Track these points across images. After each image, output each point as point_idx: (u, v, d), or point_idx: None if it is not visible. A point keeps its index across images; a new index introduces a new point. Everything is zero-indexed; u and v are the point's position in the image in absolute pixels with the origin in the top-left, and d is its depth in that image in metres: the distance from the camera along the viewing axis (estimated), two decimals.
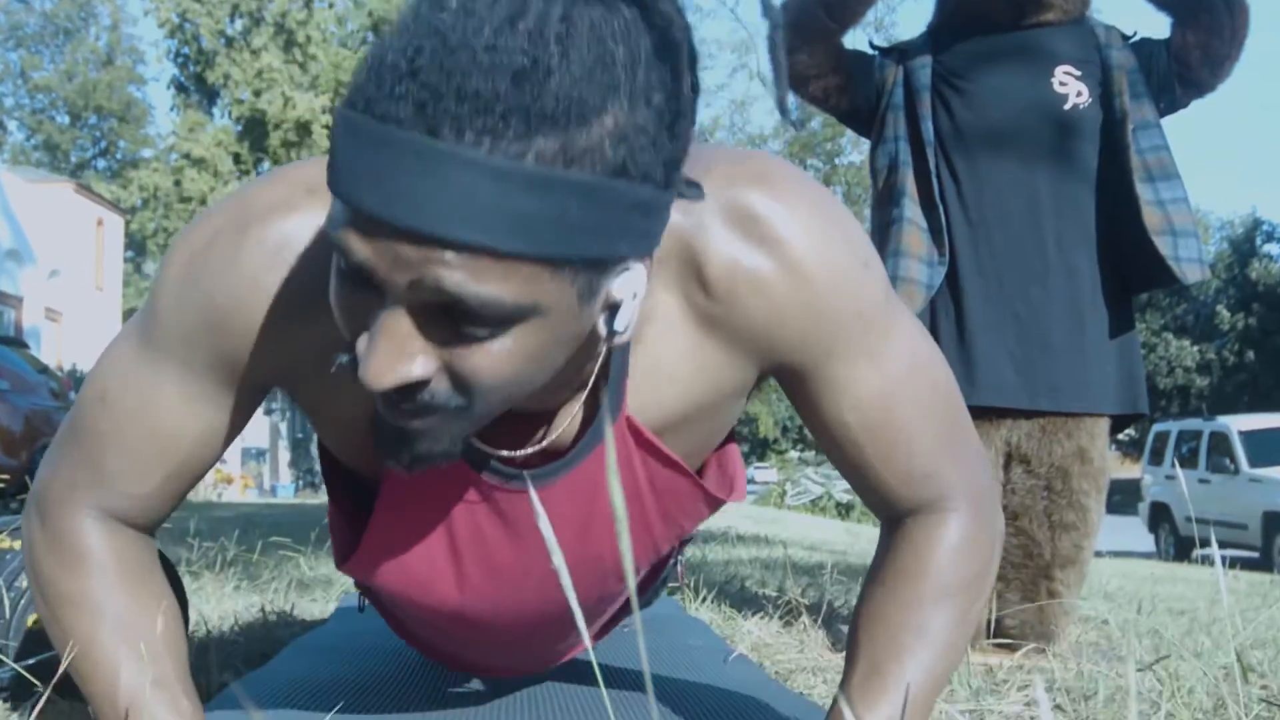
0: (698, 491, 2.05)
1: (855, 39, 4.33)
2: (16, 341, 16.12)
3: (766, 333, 1.84)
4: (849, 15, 4.44)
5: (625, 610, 2.63)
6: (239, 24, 41.00)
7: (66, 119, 56.69)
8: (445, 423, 1.55)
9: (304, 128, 41.97)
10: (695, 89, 1.50)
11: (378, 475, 1.98)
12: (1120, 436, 4.43)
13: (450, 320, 1.44)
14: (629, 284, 1.54)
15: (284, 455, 52.40)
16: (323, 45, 43.42)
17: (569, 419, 1.89)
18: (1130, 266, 4.16)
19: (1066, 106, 4.14)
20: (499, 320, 1.43)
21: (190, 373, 1.85)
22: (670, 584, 3.03)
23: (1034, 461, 4.12)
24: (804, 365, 1.89)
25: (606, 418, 1.60)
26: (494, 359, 1.46)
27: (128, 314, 43.82)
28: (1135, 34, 4.31)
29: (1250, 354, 49.99)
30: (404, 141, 1.32)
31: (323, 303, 1.68)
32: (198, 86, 42.15)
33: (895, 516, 2.05)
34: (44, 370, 15.12)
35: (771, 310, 1.82)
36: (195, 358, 1.84)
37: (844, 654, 2.16)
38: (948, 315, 4.16)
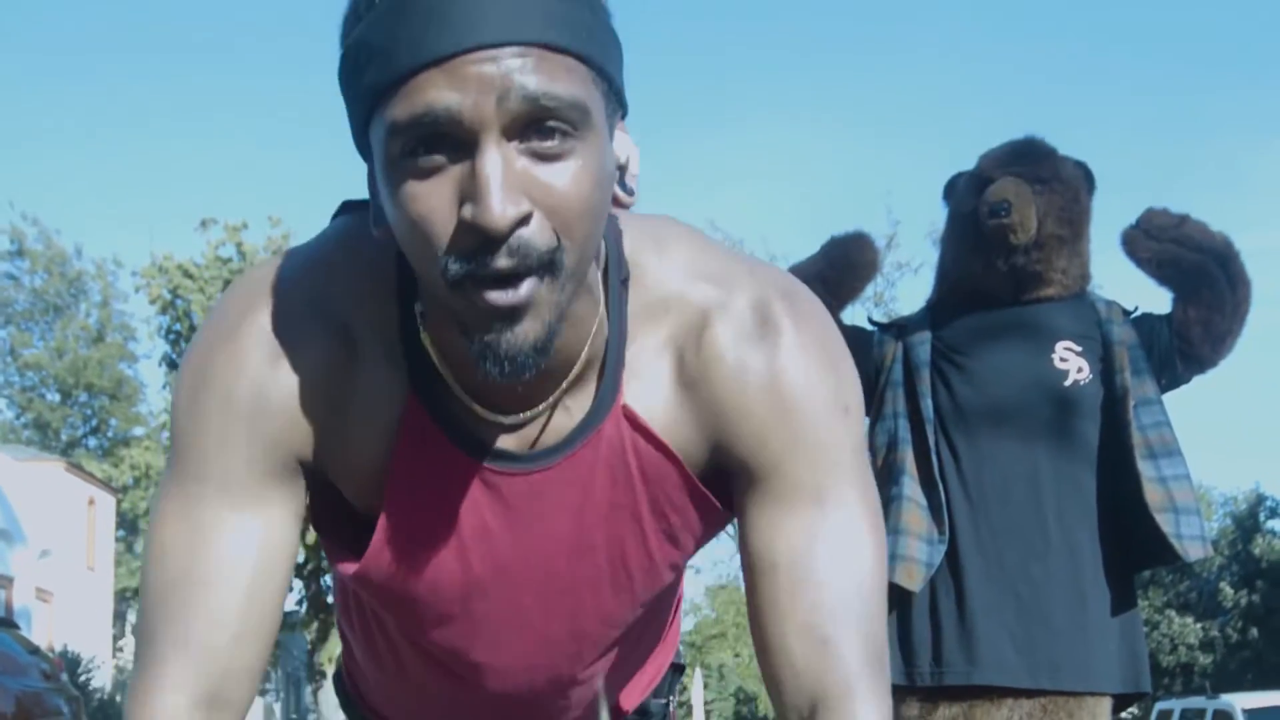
0: (687, 482, 1.98)
1: (854, 314, 4.37)
2: (7, 623, 16.13)
3: (729, 417, 1.88)
4: (848, 290, 4.50)
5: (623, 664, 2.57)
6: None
7: (57, 397, 57.00)
8: (541, 286, 1.60)
9: None
10: None
11: (380, 503, 1.97)
12: (1123, 715, 4.37)
13: (534, 136, 1.55)
14: (623, 143, 1.71)
15: None
16: None
17: (568, 402, 1.90)
18: (1132, 543, 4.12)
19: (1067, 383, 4.13)
20: (572, 122, 1.56)
21: (230, 480, 1.86)
22: None
23: None
24: (753, 467, 1.89)
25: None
26: (571, 178, 1.57)
27: (120, 594, 43.83)
28: (1136, 309, 4.32)
29: (1254, 631, 49.71)
30: None
31: (326, 359, 1.83)
32: None
33: (797, 713, 1.92)
34: (35, 651, 15.10)
35: (739, 401, 1.87)
36: (230, 462, 1.85)
37: None
38: (948, 593, 4.11)
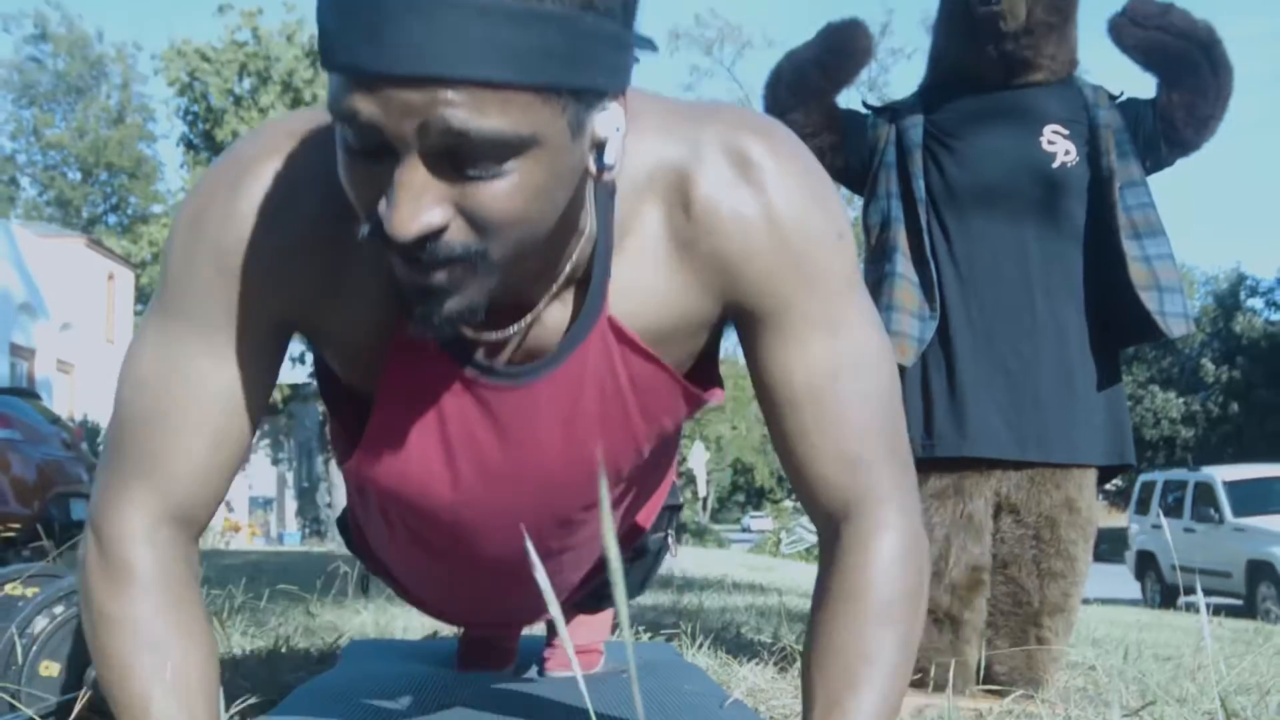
0: (676, 386, 2.05)
1: (849, 98, 4.34)
2: (29, 393, 16.11)
3: (734, 267, 1.90)
4: (843, 75, 4.50)
5: (604, 566, 2.61)
6: (247, 83, 40.98)
7: (78, 175, 56.65)
8: (467, 274, 1.60)
9: None
10: None
11: (375, 387, 1.99)
12: (1107, 486, 4.43)
13: (458, 162, 1.50)
14: (610, 120, 1.64)
15: (290, 504, 52.31)
16: None
17: (555, 315, 1.92)
18: (1117, 320, 4.17)
19: (1055, 165, 4.16)
20: (503, 153, 1.50)
21: (211, 328, 1.89)
22: (662, 555, 2.99)
23: (1023, 511, 4.12)
24: (763, 310, 1.94)
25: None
26: (502, 195, 1.53)
27: None
28: (1122, 94, 4.33)
29: (1234, 406, 49.97)
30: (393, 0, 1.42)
31: (322, 233, 1.83)
32: (207, 144, 42.11)
33: (829, 519, 2.01)
34: (56, 421, 15.08)
35: (743, 246, 1.89)
36: (213, 311, 1.88)
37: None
38: (939, 369, 4.16)
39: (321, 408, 31.58)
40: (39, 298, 32.26)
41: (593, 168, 1.67)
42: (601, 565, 2.58)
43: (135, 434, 1.94)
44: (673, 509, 2.90)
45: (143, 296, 44.71)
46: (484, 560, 2.31)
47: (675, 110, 1.96)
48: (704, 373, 2.16)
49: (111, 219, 57.28)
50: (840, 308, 1.94)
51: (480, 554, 2.29)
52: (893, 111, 4.45)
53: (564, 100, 1.52)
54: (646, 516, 2.73)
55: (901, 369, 4.13)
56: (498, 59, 1.43)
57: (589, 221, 1.84)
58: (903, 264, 4.19)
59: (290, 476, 52.64)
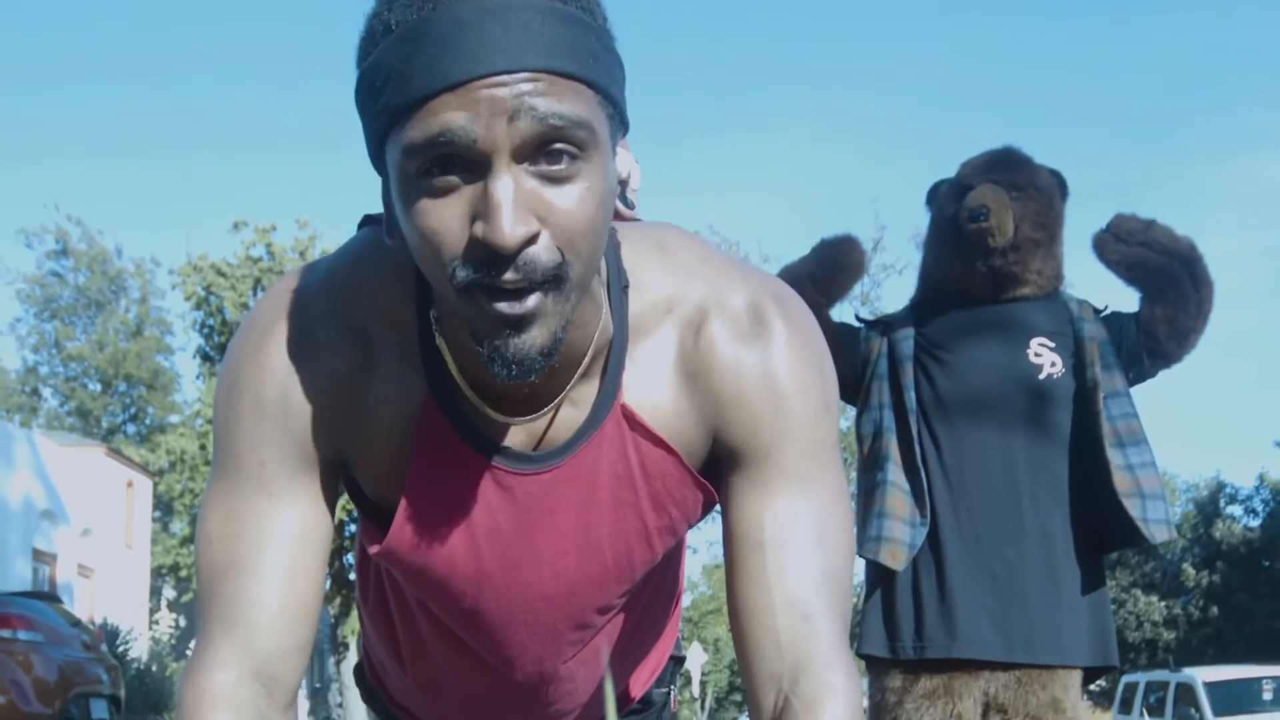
0: (686, 474, 2.05)
1: (843, 312, 4.37)
2: (50, 597, 16.11)
3: (726, 406, 1.95)
4: (836, 290, 4.56)
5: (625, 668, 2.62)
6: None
7: (98, 386, 56.79)
8: (552, 294, 1.66)
9: None
10: None
11: (401, 481, 2.02)
12: (1092, 687, 4.43)
13: (541, 159, 1.60)
14: (624, 160, 1.77)
15: (303, 704, 51.81)
16: None
17: (571, 408, 1.96)
18: (1101, 527, 4.19)
19: (1041, 376, 4.19)
20: (578, 144, 1.60)
21: (265, 474, 1.93)
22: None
23: (1011, 711, 4.09)
24: (745, 454, 1.96)
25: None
26: (577, 200, 1.62)
27: (156, 570, 43.63)
28: (1106, 308, 4.38)
29: (1215, 609, 49.75)
30: (465, 12, 1.55)
31: (343, 364, 1.91)
32: (221, 355, 41.97)
33: (774, 684, 1.95)
34: (76, 624, 15.08)
35: (738, 391, 1.94)
36: (267, 457, 1.92)
37: None
38: (929, 573, 4.17)
39: (332, 610, 31.48)
40: (60, 504, 32.18)
41: (619, 205, 1.81)
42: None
43: (212, 591, 1.95)
44: (676, 660, 2.89)
45: (160, 503, 44.59)
46: (501, 661, 2.30)
47: (711, 257, 2.04)
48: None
49: (130, 428, 57.41)
50: (816, 470, 1.98)
51: (497, 649, 2.28)
52: (885, 324, 4.50)
53: (608, 108, 1.66)
54: (652, 667, 2.73)
55: (893, 573, 4.16)
56: (564, 53, 1.58)
57: (605, 313, 1.91)
58: (894, 472, 4.21)
59: (303, 679, 52.18)
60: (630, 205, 1.78)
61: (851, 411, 4.57)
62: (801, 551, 1.94)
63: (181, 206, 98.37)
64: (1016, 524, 4.14)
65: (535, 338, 1.69)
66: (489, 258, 1.60)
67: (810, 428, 1.97)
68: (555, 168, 1.60)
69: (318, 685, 50.31)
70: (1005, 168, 4.32)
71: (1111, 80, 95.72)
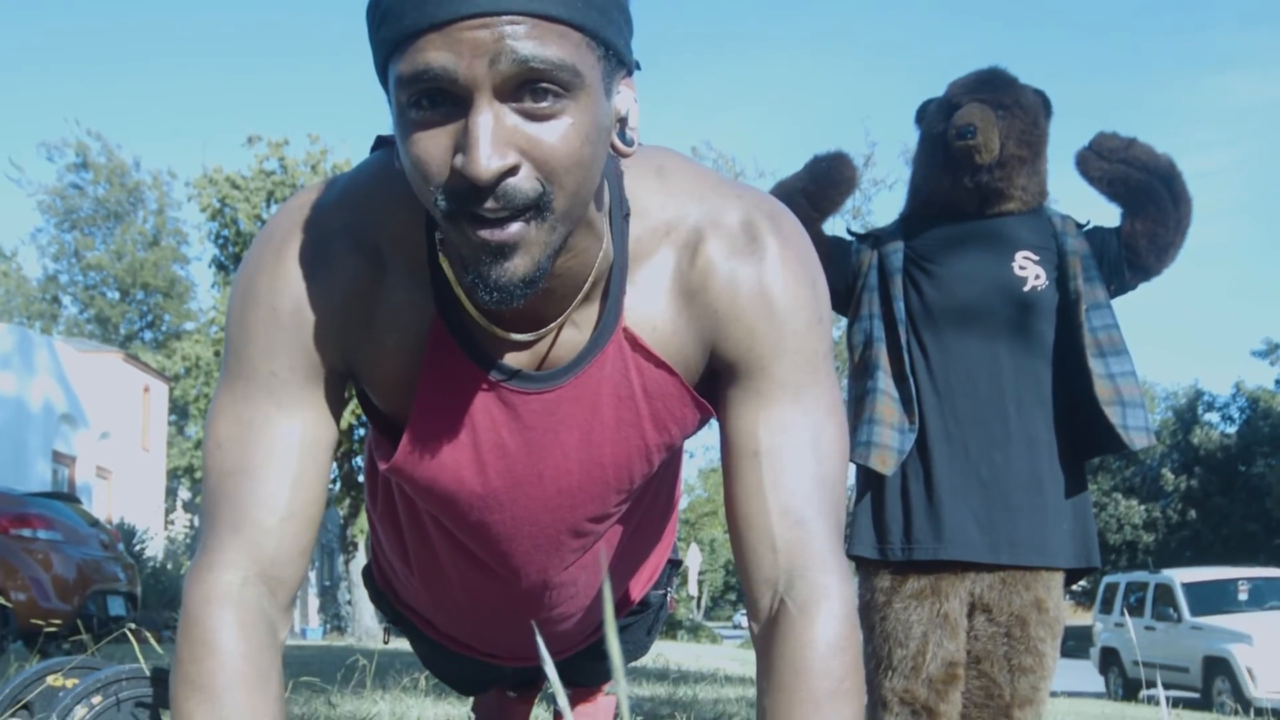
0: (685, 394, 2.07)
1: (834, 226, 4.35)
2: (70, 497, 16.12)
3: (722, 322, 1.98)
4: (829, 205, 4.51)
5: (622, 593, 2.68)
6: (274, 209, 40.72)
7: (116, 295, 56.69)
8: (535, 224, 1.67)
9: None
10: None
11: (410, 400, 2.04)
12: (1074, 587, 4.41)
13: (523, 97, 1.61)
14: (625, 99, 1.76)
15: (313, 601, 52.08)
16: None
17: (574, 329, 1.98)
18: (1083, 433, 4.18)
19: (1026, 288, 4.18)
20: (561, 85, 1.61)
21: (275, 382, 1.94)
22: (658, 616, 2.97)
23: (995, 610, 4.10)
24: (740, 367, 1.99)
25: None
26: (560, 135, 1.63)
27: (171, 472, 43.74)
28: (1088, 222, 4.36)
29: (1192, 513, 49.94)
30: None
31: (357, 280, 1.93)
32: (236, 266, 42.02)
33: (770, 587, 1.96)
34: (95, 524, 15.11)
35: (731, 305, 1.97)
36: (274, 365, 1.93)
37: None
38: (917, 478, 4.17)
39: (341, 511, 31.63)
40: (79, 408, 32.26)
41: (617, 142, 1.77)
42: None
43: (220, 492, 1.94)
44: (673, 564, 2.90)
45: (176, 408, 44.68)
46: (507, 570, 2.32)
47: (707, 179, 2.05)
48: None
49: (147, 335, 57.46)
50: (810, 381, 1.99)
51: (503, 559, 2.30)
52: (875, 238, 4.46)
53: (599, 50, 1.65)
54: (651, 570, 2.73)
55: (882, 478, 4.17)
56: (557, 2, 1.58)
57: (607, 240, 1.91)
58: (884, 380, 4.20)
59: (313, 575, 52.44)
60: (629, 143, 1.75)
61: (843, 322, 4.54)
62: (796, 460, 1.96)
63: (198, 121, 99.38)
64: (1002, 430, 4.13)
65: (517, 266, 1.69)
66: (468, 188, 1.62)
67: (803, 340, 1.98)
68: (539, 105, 1.61)
69: (327, 583, 50.61)
70: (992, 87, 4.28)
71: (1093, 2, 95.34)
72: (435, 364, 1.97)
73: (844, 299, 4.46)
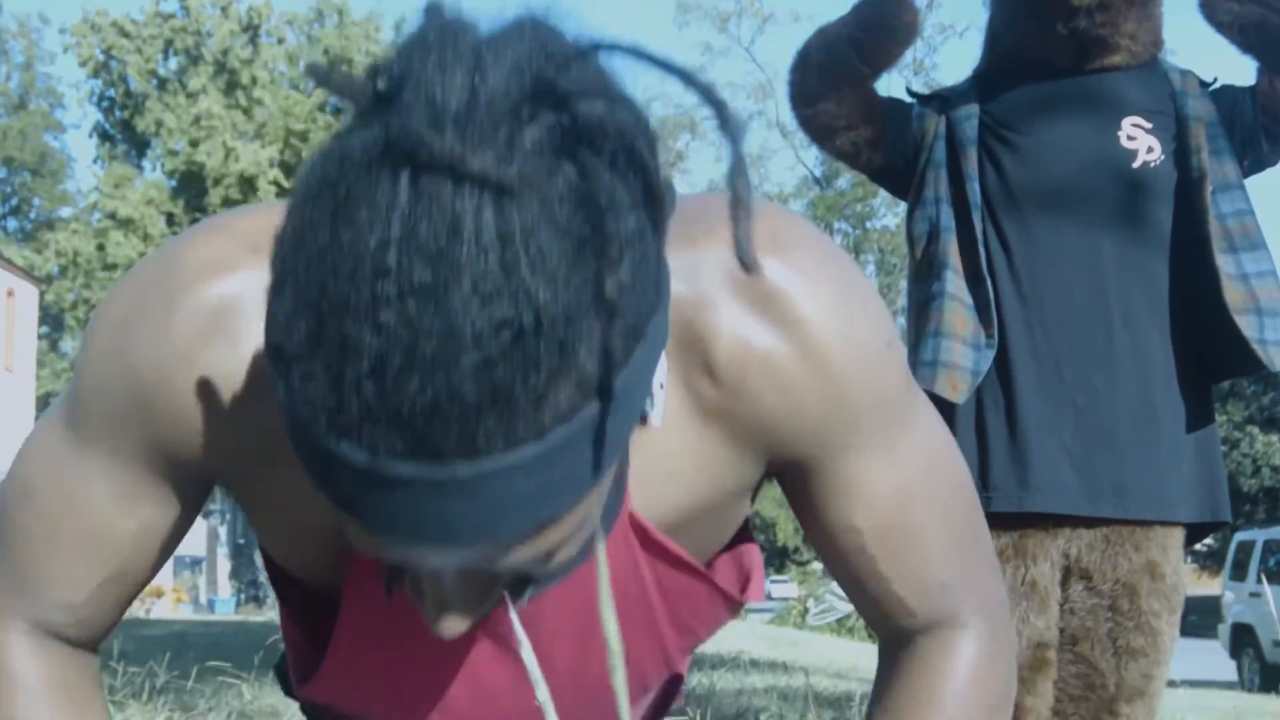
0: (714, 594, 2.03)
1: (891, 84, 4.32)
2: None
3: (778, 425, 1.83)
4: (883, 57, 4.48)
5: None
6: (173, 63, 40.82)
7: None
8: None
9: (249, 182, 41.77)
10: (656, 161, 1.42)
11: (336, 585, 1.93)
12: (1197, 547, 4.43)
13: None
14: (656, 376, 1.62)
15: (223, 565, 52.26)
16: (270, 88, 43.34)
17: None
18: (1209, 349, 4.17)
19: (1135, 164, 4.16)
20: (554, 553, 1.46)
21: (121, 462, 1.83)
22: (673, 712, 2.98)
23: (1096, 577, 4.10)
24: (815, 461, 1.89)
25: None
26: (560, 556, 1.49)
27: (42, 399, 43.88)
28: (1215, 80, 4.34)
29: None
30: (409, 479, 1.29)
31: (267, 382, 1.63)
32: (125, 135, 41.96)
33: (901, 634, 2.02)
34: None
35: (786, 400, 1.81)
36: (125, 445, 1.81)
37: None
38: (996, 407, 4.16)
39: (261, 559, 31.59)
40: None
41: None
42: None
43: (17, 549, 1.91)
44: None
45: (48, 316, 44.76)
46: None
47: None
48: (738, 544, 2.16)
49: (11, 223, 57.30)
50: (901, 427, 1.92)
51: None
52: (942, 100, 4.45)
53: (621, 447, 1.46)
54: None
55: (952, 407, 4.12)
56: (557, 495, 1.36)
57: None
58: (954, 282, 4.19)
59: (224, 532, 52.61)
60: (644, 419, 1.67)
61: (902, 208, 4.54)
62: (913, 528, 1.93)
63: None
64: (1105, 345, 4.11)
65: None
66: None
67: (879, 387, 1.88)
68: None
69: (241, 541, 50.76)
70: None
71: None
72: (371, 561, 1.79)
73: (902, 177, 4.47)
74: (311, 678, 2.04)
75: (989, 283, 4.15)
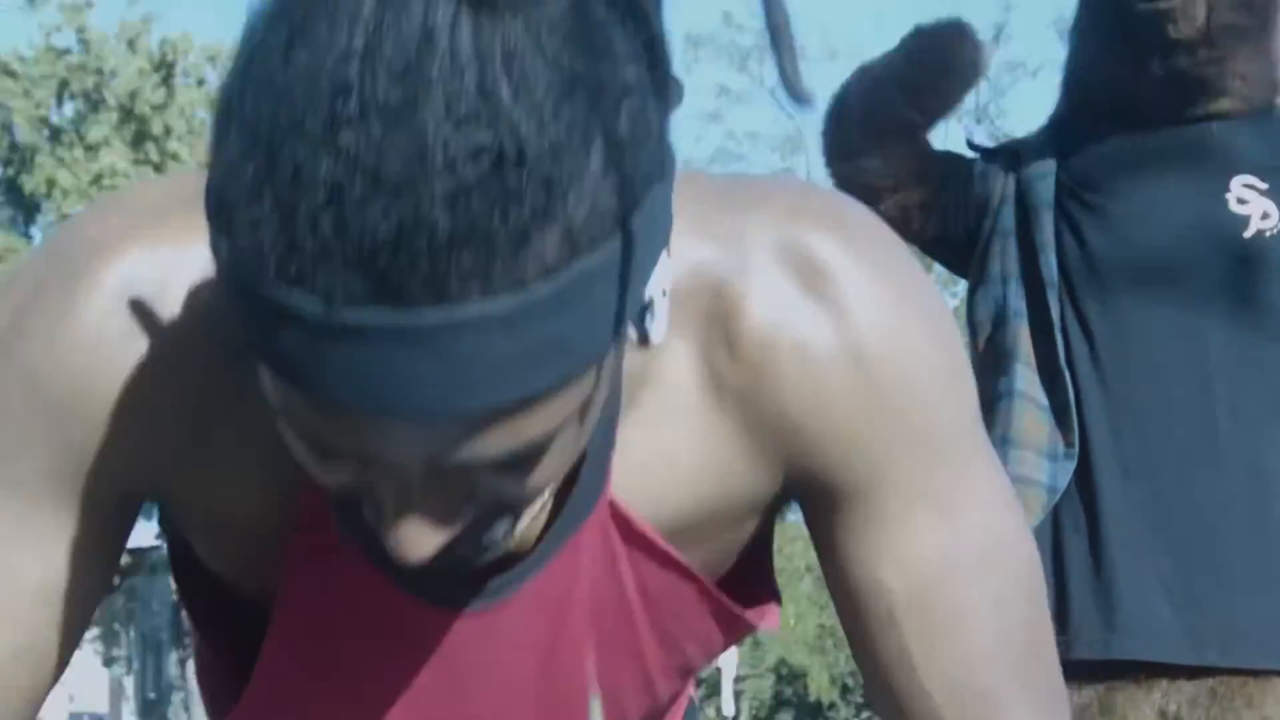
0: (705, 601, 1.95)
1: (949, 135, 4.35)
2: None
3: (802, 423, 1.78)
4: (939, 102, 4.46)
5: None
6: (70, 108, 41.33)
7: None
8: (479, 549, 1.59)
9: None
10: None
11: (269, 594, 1.89)
12: None
13: (474, 475, 1.44)
14: (657, 281, 1.54)
15: None
16: (187, 139, 43.79)
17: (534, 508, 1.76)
18: None
19: (1249, 232, 4.10)
20: (536, 453, 1.44)
21: (24, 492, 1.77)
22: None
23: None
24: (845, 485, 1.82)
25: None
26: (540, 474, 1.49)
27: None
28: None
29: None
30: (373, 327, 1.27)
31: (192, 371, 1.71)
32: (10, 196, 42.43)
33: None
34: None
35: (815, 393, 1.77)
36: (26, 467, 1.76)
37: None
38: (1078, 529, 4.11)
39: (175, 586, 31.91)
40: None
41: (634, 335, 1.59)
42: None
43: None
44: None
45: None
46: None
47: (708, 194, 1.83)
48: (750, 575, 2.07)
49: None
50: (957, 477, 1.84)
51: None
52: (1012, 155, 4.42)
53: (611, 346, 1.44)
54: None
55: None
56: (537, 365, 1.34)
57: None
58: (1025, 377, 4.15)
59: (130, 684, 53.04)
60: (647, 334, 1.58)
61: (962, 286, 4.53)
62: (961, 609, 1.86)
63: None
64: (1210, 453, 4.04)
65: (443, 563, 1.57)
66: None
67: (936, 415, 1.83)
68: (505, 465, 1.45)
69: (152, 695, 51.39)
70: None
71: None
72: (310, 551, 1.82)
73: (963, 250, 4.42)
74: (229, 714, 2.03)
75: (1068, 377, 4.11)
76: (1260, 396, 4.07)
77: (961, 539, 1.83)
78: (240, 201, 1.27)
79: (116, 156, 41.98)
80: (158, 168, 43.52)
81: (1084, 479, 4.09)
